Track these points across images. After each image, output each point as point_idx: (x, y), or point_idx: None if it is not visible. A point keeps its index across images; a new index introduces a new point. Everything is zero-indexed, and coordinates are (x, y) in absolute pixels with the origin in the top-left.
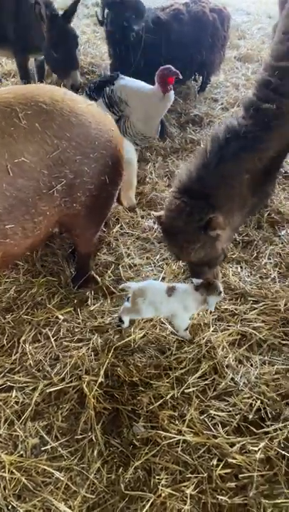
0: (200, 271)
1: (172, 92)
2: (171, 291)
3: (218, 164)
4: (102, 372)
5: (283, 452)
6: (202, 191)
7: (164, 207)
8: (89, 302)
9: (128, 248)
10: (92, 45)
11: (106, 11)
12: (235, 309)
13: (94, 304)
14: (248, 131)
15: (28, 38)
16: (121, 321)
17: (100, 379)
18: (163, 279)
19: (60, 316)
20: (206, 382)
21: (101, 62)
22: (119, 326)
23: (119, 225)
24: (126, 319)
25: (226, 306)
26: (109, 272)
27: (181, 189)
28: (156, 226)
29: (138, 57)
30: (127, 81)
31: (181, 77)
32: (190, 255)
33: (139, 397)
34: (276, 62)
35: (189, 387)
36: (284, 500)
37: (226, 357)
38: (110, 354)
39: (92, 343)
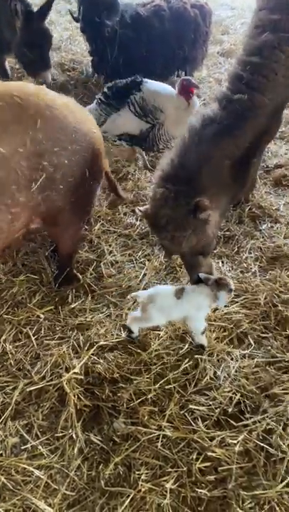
0: (195, 262)
1: (195, 98)
2: (180, 293)
3: (197, 149)
4: (82, 370)
5: (262, 444)
6: (185, 177)
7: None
8: (70, 300)
9: (110, 245)
10: (74, 42)
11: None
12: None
13: (75, 302)
14: (224, 118)
15: (2, 37)
16: (130, 331)
17: (81, 376)
18: (144, 275)
19: (41, 315)
20: (187, 377)
21: (82, 59)
22: (130, 337)
23: (100, 223)
24: (135, 329)
25: None
26: (90, 269)
27: (163, 177)
28: (138, 223)
29: (115, 53)
30: (155, 86)
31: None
32: (182, 244)
33: (119, 394)
34: (248, 57)
35: (170, 383)
36: (262, 492)
37: (207, 352)
38: (91, 351)
39: (73, 341)
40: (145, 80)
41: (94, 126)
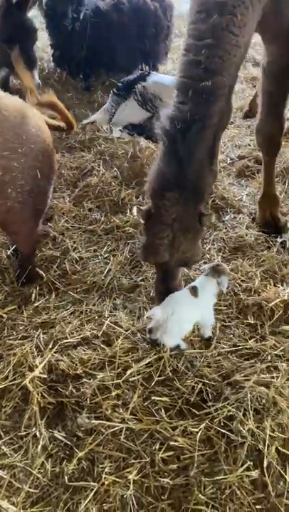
0: (173, 273)
1: None
2: (194, 291)
3: (189, 159)
4: (45, 368)
5: (223, 431)
6: (187, 184)
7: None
8: (33, 298)
9: (74, 242)
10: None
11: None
12: None
13: (39, 300)
14: (193, 114)
15: None
16: (176, 347)
17: (44, 375)
18: (109, 270)
19: (4, 315)
20: (151, 369)
21: (43, 55)
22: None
23: (64, 219)
24: (175, 342)
25: None
26: (54, 266)
27: (163, 188)
28: (103, 218)
29: (77, 47)
30: (159, 77)
31: None
32: (180, 247)
33: (83, 390)
34: (200, 41)
35: (134, 376)
36: (223, 477)
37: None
38: (54, 350)
39: (36, 340)
40: (153, 72)
41: (44, 125)
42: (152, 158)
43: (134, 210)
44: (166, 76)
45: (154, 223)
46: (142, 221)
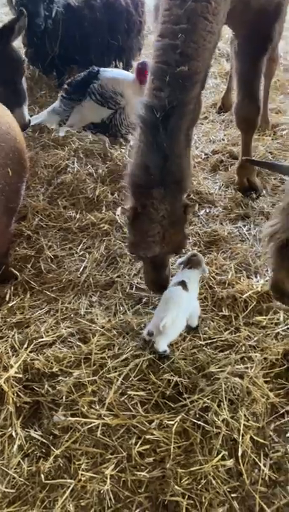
0: (165, 262)
1: None
2: (184, 286)
3: (171, 150)
4: (20, 368)
5: (198, 422)
6: (169, 178)
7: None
8: (8, 298)
9: (49, 240)
10: None
11: None
12: None
13: (13, 300)
14: (172, 100)
15: None
16: (163, 352)
17: (19, 375)
18: (85, 268)
19: None
20: (128, 365)
21: None
22: (165, 356)
23: (38, 218)
24: (165, 346)
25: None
26: (29, 266)
27: (145, 183)
28: (78, 216)
29: (50, 45)
30: (110, 73)
31: None
32: (170, 240)
33: (58, 388)
34: (176, 26)
35: (110, 372)
36: (199, 467)
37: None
38: (29, 349)
39: (11, 340)
40: (102, 69)
41: (14, 123)
42: (127, 153)
43: (119, 210)
44: (114, 70)
45: (143, 222)
46: (128, 220)
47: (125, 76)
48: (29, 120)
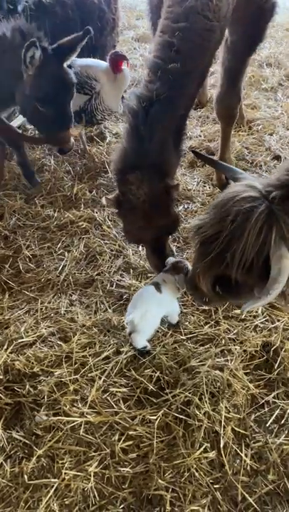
0: (163, 244)
1: (125, 71)
2: (158, 288)
3: (149, 134)
4: (1, 369)
5: (180, 416)
6: (149, 163)
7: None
8: None
9: (27, 240)
10: None
11: None
12: (138, 287)
13: None
14: (160, 93)
15: None
16: (143, 349)
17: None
18: (64, 266)
19: None
20: (110, 362)
21: None
22: (147, 352)
23: (16, 217)
24: (145, 343)
25: (129, 282)
26: (7, 266)
27: (126, 167)
28: (56, 214)
29: None
30: (81, 61)
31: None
32: (158, 223)
33: (40, 387)
34: (175, 24)
35: (92, 370)
36: (182, 461)
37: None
38: (9, 350)
39: None
40: (73, 58)
41: None
42: (104, 150)
43: (103, 200)
44: (84, 59)
45: (126, 209)
46: (113, 209)
47: (98, 63)
48: (73, 143)
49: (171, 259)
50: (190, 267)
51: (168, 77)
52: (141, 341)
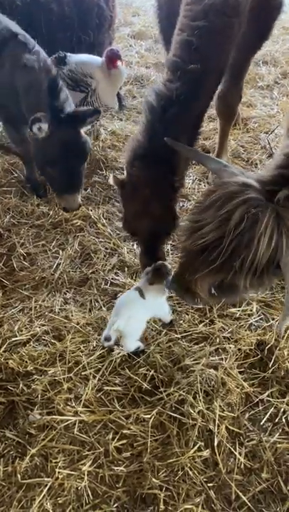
0: (155, 244)
1: (121, 69)
2: (141, 293)
3: (164, 131)
4: None
5: (174, 415)
6: (161, 158)
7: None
8: None
9: (21, 238)
10: None
11: None
12: (133, 285)
13: None
14: (180, 93)
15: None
16: (136, 350)
17: None
18: (59, 265)
19: None
20: (103, 362)
21: None
22: (142, 352)
23: (10, 215)
24: (136, 344)
25: (123, 280)
26: (1, 264)
27: (138, 158)
28: (51, 212)
29: None
30: (79, 57)
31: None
32: (155, 213)
33: (33, 386)
34: (194, 22)
35: (86, 369)
36: (175, 459)
37: None
38: (3, 348)
39: None
40: (68, 54)
41: None
42: (100, 148)
43: (111, 177)
44: (83, 55)
45: (127, 190)
46: (118, 189)
47: (93, 59)
48: (79, 205)
49: (149, 268)
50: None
51: (188, 78)
52: (131, 345)
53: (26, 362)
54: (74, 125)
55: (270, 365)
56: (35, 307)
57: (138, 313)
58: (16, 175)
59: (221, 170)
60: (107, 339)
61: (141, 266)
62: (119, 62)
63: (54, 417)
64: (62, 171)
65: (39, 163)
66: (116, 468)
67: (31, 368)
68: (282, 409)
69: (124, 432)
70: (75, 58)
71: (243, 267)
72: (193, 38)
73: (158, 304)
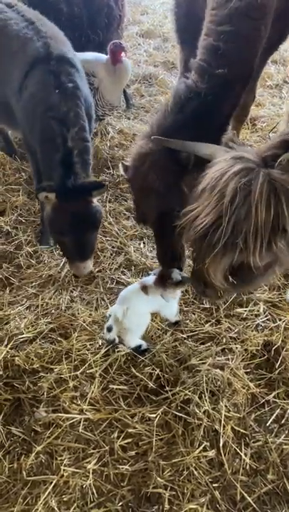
0: (169, 224)
1: (125, 63)
2: (144, 289)
3: (194, 119)
4: (1, 365)
5: (180, 414)
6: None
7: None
8: None
9: (28, 235)
10: None
11: None
12: None
13: None
14: (207, 93)
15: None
16: (138, 348)
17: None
18: (65, 263)
19: None
20: (109, 360)
21: None
22: (143, 351)
23: (17, 213)
24: (138, 341)
25: (130, 279)
26: (8, 261)
27: (146, 135)
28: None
29: None
30: (83, 55)
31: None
32: (162, 186)
33: (40, 384)
34: (220, 27)
35: (92, 367)
36: (181, 459)
37: None
38: (9, 346)
39: None
40: (73, 52)
41: None
42: (107, 147)
43: (120, 165)
44: (88, 53)
45: (131, 172)
46: (126, 177)
47: (97, 57)
48: (88, 272)
49: (156, 271)
50: (178, 277)
51: (215, 82)
52: (131, 341)
53: (32, 359)
54: (83, 196)
55: (276, 366)
56: (42, 305)
57: (137, 306)
58: (23, 174)
59: (214, 153)
60: (109, 329)
61: (159, 261)
62: (123, 54)
63: (60, 414)
64: (72, 241)
65: (50, 229)
66: (121, 466)
67: (37, 365)
68: (288, 411)
69: (130, 430)
70: (81, 57)
71: (247, 242)
72: (220, 43)
73: (163, 302)
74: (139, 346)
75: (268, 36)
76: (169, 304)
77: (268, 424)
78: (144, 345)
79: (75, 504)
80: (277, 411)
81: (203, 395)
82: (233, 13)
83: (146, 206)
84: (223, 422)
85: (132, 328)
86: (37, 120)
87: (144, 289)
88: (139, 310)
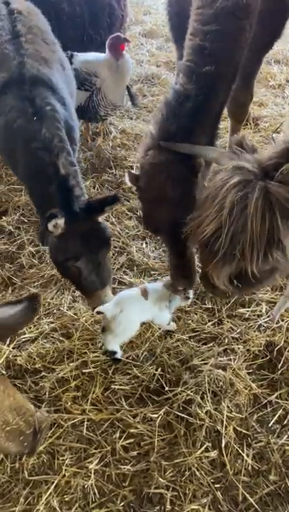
0: (179, 242)
1: (126, 57)
2: (145, 293)
3: (178, 125)
4: (3, 365)
5: (182, 415)
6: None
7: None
8: None
9: (31, 235)
10: None
11: None
12: (141, 282)
13: None
14: (197, 94)
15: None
16: (112, 353)
17: (1, 371)
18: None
19: None
20: (111, 361)
21: None
22: (115, 359)
23: (20, 213)
24: (116, 347)
25: (132, 279)
26: (10, 261)
27: (153, 145)
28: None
29: None
30: (84, 56)
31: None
32: (178, 195)
33: (41, 384)
34: (206, 26)
35: (94, 367)
36: (182, 460)
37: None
38: (12, 345)
39: None
40: (75, 53)
41: None
42: (110, 147)
43: (126, 175)
44: (89, 53)
45: (143, 182)
46: (132, 185)
47: (97, 56)
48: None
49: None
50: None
51: (203, 81)
52: (111, 343)
53: (34, 359)
54: (91, 216)
55: (279, 367)
56: (44, 304)
57: (130, 313)
58: None
59: (220, 157)
60: (98, 312)
61: (171, 268)
62: (126, 47)
63: (61, 414)
64: (88, 263)
65: (58, 261)
66: (123, 467)
67: (39, 365)
68: None
69: (132, 431)
70: (81, 57)
71: (244, 253)
72: (206, 43)
73: (158, 311)
74: (114, 353)
75: (260, 35)
76: (162, 314)
77: (270, 425)
78: (119, 354)
79: (77, 504)
80: (280, 411)
81: (205, 396)
82: (220, 12)
83: (161, 216)
84: (225, 422)
85: (117, 332)
86: (20, 154)
87: (145, 293)
88: (130, 317)
